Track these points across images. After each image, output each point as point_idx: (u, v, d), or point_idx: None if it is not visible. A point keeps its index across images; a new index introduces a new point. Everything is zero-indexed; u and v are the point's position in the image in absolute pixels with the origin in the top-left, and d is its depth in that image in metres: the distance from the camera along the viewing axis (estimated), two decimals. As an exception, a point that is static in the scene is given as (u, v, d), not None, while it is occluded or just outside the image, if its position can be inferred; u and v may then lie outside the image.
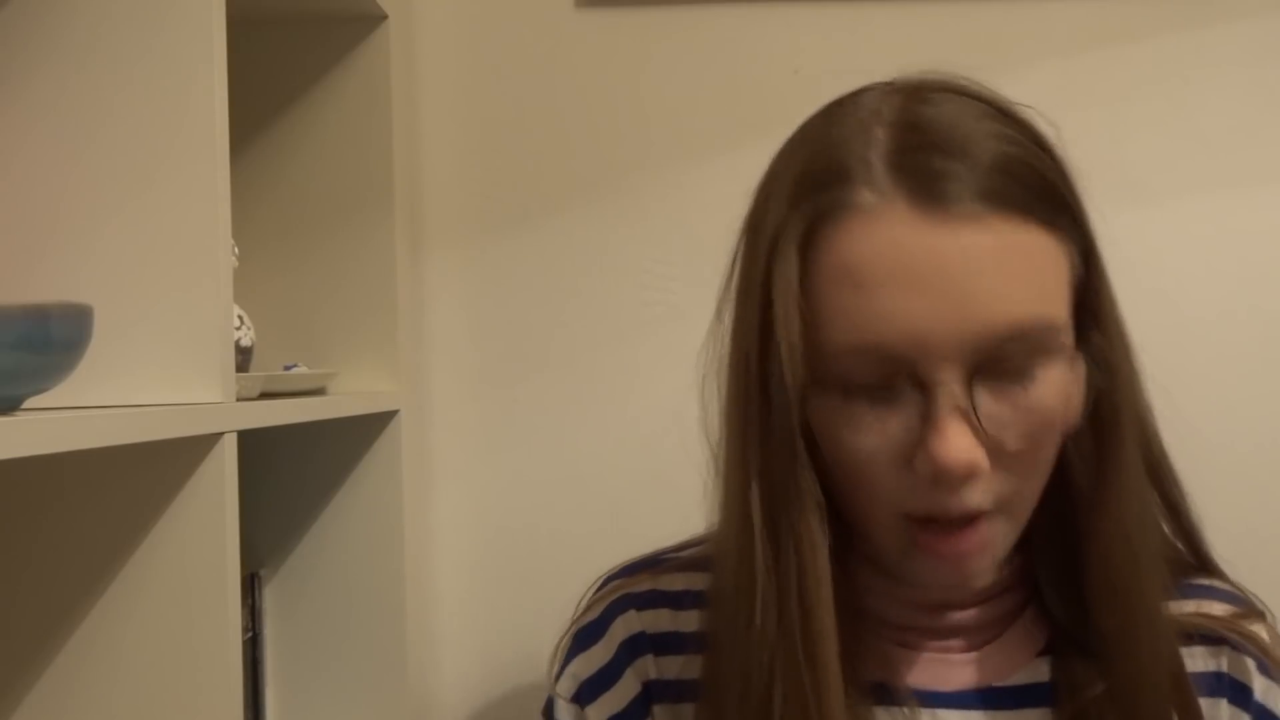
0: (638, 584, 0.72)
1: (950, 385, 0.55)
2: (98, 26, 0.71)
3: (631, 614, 0.71)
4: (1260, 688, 0.65)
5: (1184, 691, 0.62)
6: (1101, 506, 0.61)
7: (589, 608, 0.74)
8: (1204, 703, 0.63)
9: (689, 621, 0.70)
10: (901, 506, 0.58)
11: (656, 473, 1.12)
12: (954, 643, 0.66)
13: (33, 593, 0.71)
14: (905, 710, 0.63)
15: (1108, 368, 0.61)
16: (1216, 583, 0.69)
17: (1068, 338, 0.59)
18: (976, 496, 0.56)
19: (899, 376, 0.56)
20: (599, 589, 0.75)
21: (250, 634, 1.02)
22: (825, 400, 0.58)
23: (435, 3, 1.15)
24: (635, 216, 1.14)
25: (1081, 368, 0.60)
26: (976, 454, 0.55)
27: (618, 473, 1.15)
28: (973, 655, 0.66)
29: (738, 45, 1.13)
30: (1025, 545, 0.64)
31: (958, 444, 0.54)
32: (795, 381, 0.57)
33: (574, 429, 1.15)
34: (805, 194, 0.58)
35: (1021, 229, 0.56)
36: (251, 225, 1.02)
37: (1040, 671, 0.65)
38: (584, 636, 0.72)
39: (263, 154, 1.05)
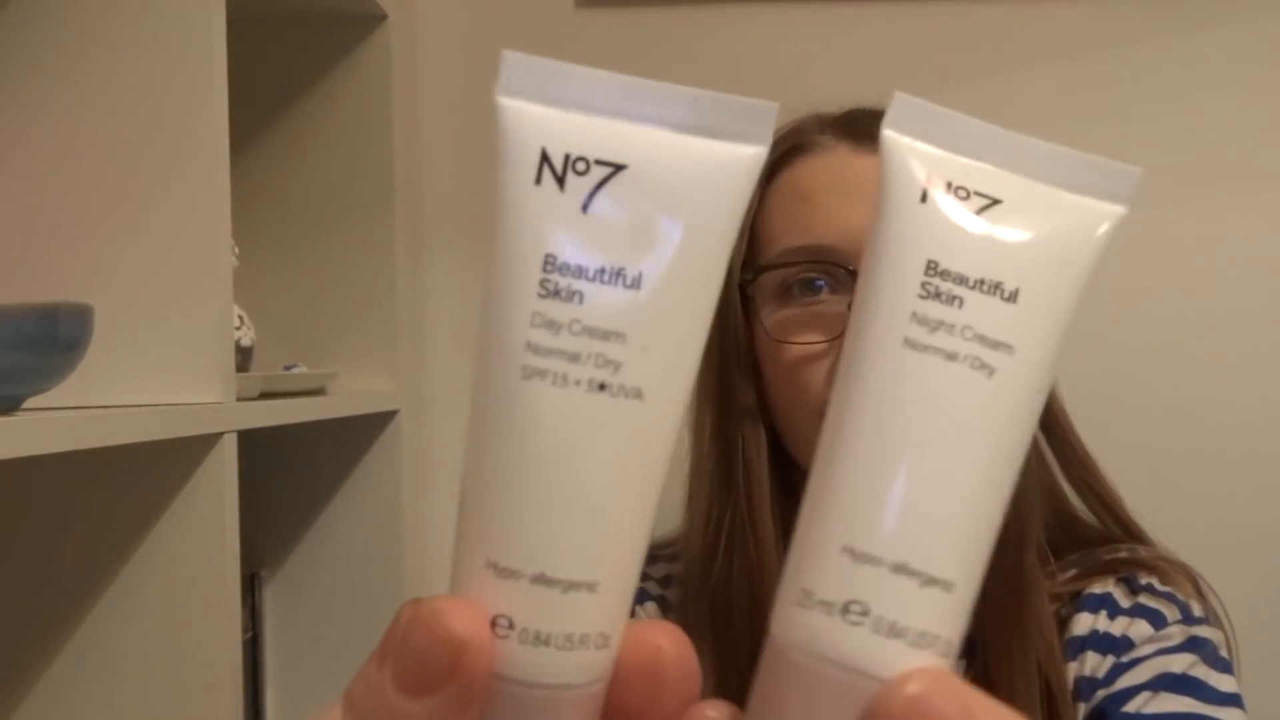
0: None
1: None
2: (98, 26, 0.71)
3: None
4: (1121, 594, 0.70)
5: (1053, 649, 0.67)
6: None
7: None
8: (1088, 618, 0.68)
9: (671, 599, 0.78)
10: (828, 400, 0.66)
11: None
12: None
13: (33, 593, 0.71)
14: None
15: None
16: (1139, 549, 0.73)
17: None
18: None
19: (835, 275, 0.66)
20: None
21: (250, 634, 1.02)
22: (769, 311, 0.68)
23: (435, 3, 1.15)
24: (635, 216, 1.14)
25: None
26: None
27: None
28: None
29: (738, 45, 1.13)
30: None
31: None
32: (736, 281, 0.68)
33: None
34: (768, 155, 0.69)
35: None
36: (251, 225, 1.02)
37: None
38: None
39: (263, 154, 1.05)
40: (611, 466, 0.23)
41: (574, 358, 0.23)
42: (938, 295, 0.24)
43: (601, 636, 0.24)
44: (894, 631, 0.23)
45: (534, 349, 0.23)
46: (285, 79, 1.05)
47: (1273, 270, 1.09)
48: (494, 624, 0.23)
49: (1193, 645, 0.66)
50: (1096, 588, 0.70)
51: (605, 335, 0.23)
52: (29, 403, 0.58)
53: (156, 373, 0.70)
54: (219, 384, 0.71)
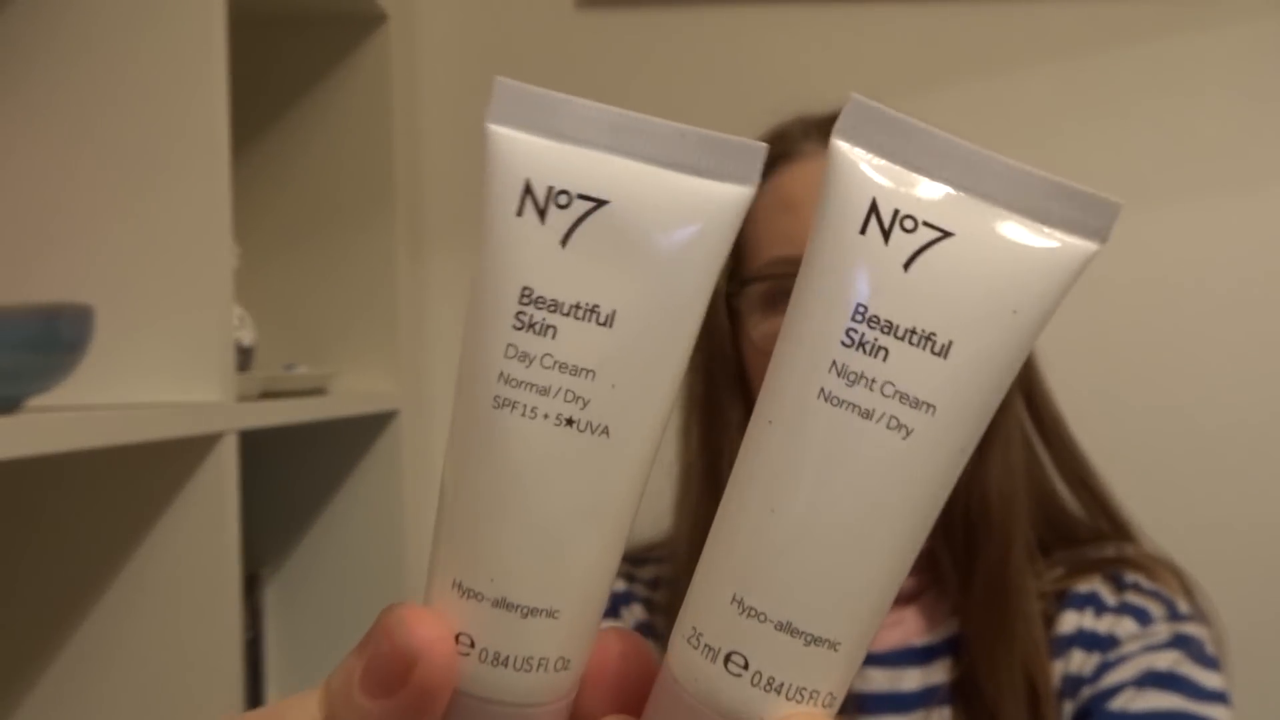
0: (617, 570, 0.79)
1: None
2: (99, 26, 0.71)
3: (618, 580, 0.79)
4: (1109, 592, 0.70)
5: (1039, 645, 0.67)
6: (971, 477, 0.68)
7: None
8: (1075, 616, 0.69)
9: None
10: None
11: (654, 472, 1.12)
12: None
13: (33, 593, 0.71)
14: None
15: None
16: (1127, 547, 0.73)
17: None
18: None
19: None
20: None
21: (251, 635, 1.02)
22: (755, 321, 0.68)
23: (435, 3, 1.15)
24: (635, 217, 1.14)
25: None
26: None
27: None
28: (897, 618, 0.72)
29: (738, 45, 1.13)
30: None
31: None
32: (722, 291, 0.68)
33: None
34: None
35: None
36: (252, 225, 1.02)
37: (952, 626, 0.72)
38: None
39: (263, 154, 1.05)
40: (575, 501, 0.23)
41: (544, 391, 0.23)
42: (862, 345, 0.22)
43: (561, 660, 0.24)
44: (772, 686, 0.23)
45: (506, 379, 0.23)
46: (285, 79, 1.05)
47: (1270, 270, 1.09)
48: (457, 640, 0.23)
49: (1179, 642, 0.67)
50: (1083, 586, 0.70)
51: (576, 371, 0.23)
52: (29, 403, 0.58)
53: (156, 373, 0.70)
54: (219, 384, 0.71)
